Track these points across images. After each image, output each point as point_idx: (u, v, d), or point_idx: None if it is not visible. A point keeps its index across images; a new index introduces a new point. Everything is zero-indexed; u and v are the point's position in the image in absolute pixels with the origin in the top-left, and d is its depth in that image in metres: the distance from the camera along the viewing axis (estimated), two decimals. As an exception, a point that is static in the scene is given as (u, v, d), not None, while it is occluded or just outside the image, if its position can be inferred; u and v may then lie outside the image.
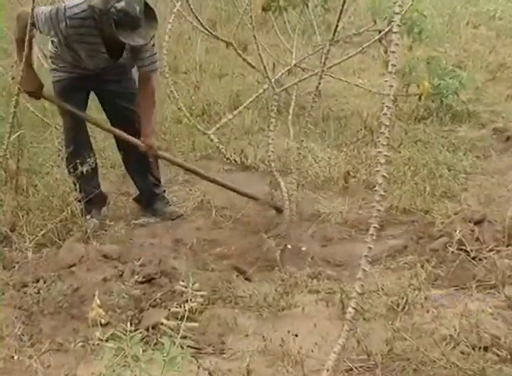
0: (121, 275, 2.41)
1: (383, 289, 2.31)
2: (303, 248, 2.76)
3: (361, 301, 2.07)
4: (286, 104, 4.38)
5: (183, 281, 1.48)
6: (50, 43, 2.92)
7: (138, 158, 3.07)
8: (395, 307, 2.18)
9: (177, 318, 1.51)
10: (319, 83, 3.11)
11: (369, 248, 1.96)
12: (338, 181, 3.51)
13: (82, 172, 2.88)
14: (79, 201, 2.96)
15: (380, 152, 1.92)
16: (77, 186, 2.95)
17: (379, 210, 1.95)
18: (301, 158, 3.30)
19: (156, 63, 2.88)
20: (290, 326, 2.09)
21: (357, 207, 3.26)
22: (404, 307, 2.18)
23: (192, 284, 1.48)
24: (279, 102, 3.80)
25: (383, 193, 1.93)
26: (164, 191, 3.28)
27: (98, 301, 1.53)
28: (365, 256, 1.97)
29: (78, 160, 2.91)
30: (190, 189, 3.50)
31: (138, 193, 3.27)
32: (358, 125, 4.29)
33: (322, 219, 3.15)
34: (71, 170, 2.93)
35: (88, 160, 2.93)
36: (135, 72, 3.00)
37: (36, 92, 2.87)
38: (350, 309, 1.91)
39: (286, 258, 2.66)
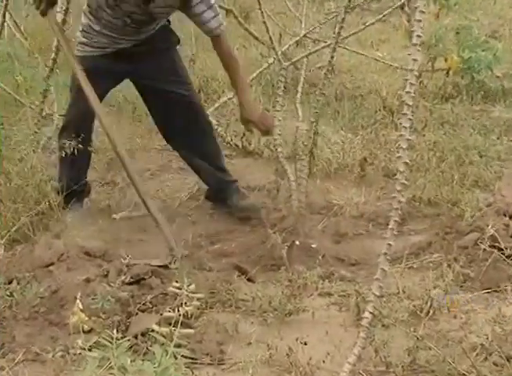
0: (106, 275, 2.41)
1: (404, 291, 2.31)
2: (313, 245, 2.76)
3: (379, 305, 2.07)
4: (295, 81, 4.36)
5: (177, 282, 1.48)
6: (83, 15, 2.89)
7: (206, 147, 3.06)
8: (418, 312, 2.19)
9: (170, 324, 1.51)
10: (332, 56, 3.10)
11: (389, 245, 1.97)
12: (353, 168, 3.51)
13: (73, 153, 2.83)
14: (58, 192, 2.96)
15: (401, 135, 1.92)
16: (60, 169, 2.93)
17: (400, 201, 1.95)
18: (311, 143, 3.30)
19: (216, 18, 2.74)
20: (298, 333, 2.09)
21: (375, 199, 3.27)
22: (428, 312, 2.18)
23: (188, 286, 1.49)
24: (286, 78, 3.79)
25: (404, 182, 1.93)
26: (236, 180, 3.24)
27: (79, 305, 1.54)
28: (384, 254, 1.97)
29: (73, 135, 2.86)
30: (185, 178, 3.50)
31: (207, 188, 3.24)
32: (377, 105, 4.28)
33: (335, 212, 3.16)
34: (62, 144, 2.89)
35: (84, 140, 2.89)
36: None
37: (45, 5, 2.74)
38: (366, 314, 1.91)
39: (294, 256, 2.65)
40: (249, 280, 2.49)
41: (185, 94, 3.00)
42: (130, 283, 2.34)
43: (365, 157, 3.52)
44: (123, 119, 4.20)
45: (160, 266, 2.43)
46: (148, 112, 3.21)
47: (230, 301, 2.30)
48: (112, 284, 2.29)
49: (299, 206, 3.00)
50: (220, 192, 3.18)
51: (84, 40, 2.89)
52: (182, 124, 3.01)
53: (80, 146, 2.84)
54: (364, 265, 2.70)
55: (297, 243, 2.73)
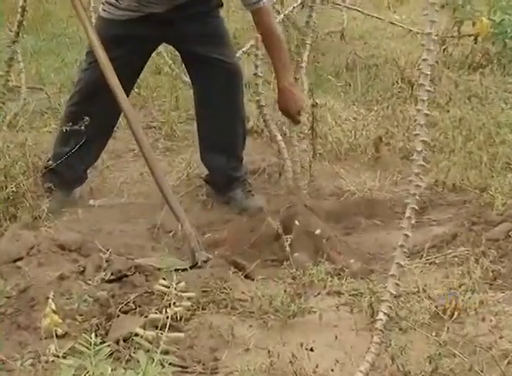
0: (83, 271, 2.41)
1: (425, 290, 2.30)
2: (316, 232, 2.75)
3: (395, 306, 2.08)
4: (299, 48, 4.34)
5: (164, 279, 1.48)
6: None
7: (233, 127, 3.12)
8: (441, 313, 2.18)
9: (156, 327, 1.51)
10: (343, 20, 3.08)
11: (406, 237, 1.97)
12: (367, 149, 3.51)
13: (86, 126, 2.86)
14: (45, 168, 3.02)
15: (419, 110, 1.91)
16: (59, 144, 3.04)
17: (418, 186, 1.95)
18: (318, 119, 3.29)
19: None
20: (303, 337, 2.09)
21: (391, 184, 3.27)
22: (453, 314, 2.18)
23: (176, 284, 1.48)
24: (289, 45, 3.78)
25: (423, 164, 1.93)
26: (246, 173, 3.28)
27: (52, 306, 1.54)
28: (401, 247, 1.97)
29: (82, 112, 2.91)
30: (173, 160, 3.50)
31: (208, 173, 3.28)
32: (394, 76, 4.28)
33: (345, 199, 3.16)
34: (69, 118, 2.95)
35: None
36: None
37: None
38: (381, 316, 1.91)
39: (299, 248, 2.66)
40: (247, 276, 2.49)
41: (228, 62, 3.05)
42: (110, 281, 2.34)
43: (380, 136, 3.52)
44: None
45: (158, 269, 2.42)
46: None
47: (225, 302, 2.30)
48: (89, 282, 2.29)
49: (303, 193, 2.98)
50: (223, 184, 3.23)
51: (111, 0, 2.94)
52: (218, 93, 3.04)
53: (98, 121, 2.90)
54: (378, 259, 2.71)
55: (297, 223, 2.73)
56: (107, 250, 2.47)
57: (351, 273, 2.52)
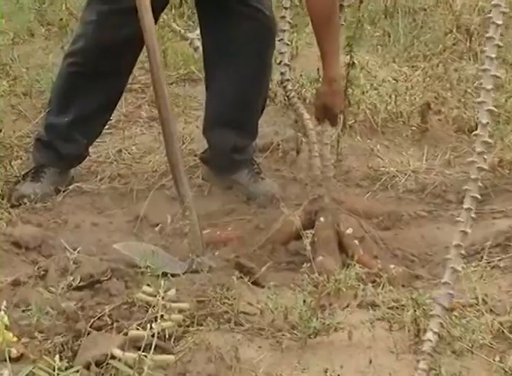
0: (44, 276, 2.42)
1: (485, 302, 2.31)
2: (348, 231, 2.76)
3: (448, 322, 2.08)
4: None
5: (149, 286, 1.48)
6: None
7: (242, 97, 3.15)
8: (507, 332, 2.18)
9: (139, 348, 1.51)
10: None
11: (463, 233, 1.96)
12: (411, 119, 3.51)
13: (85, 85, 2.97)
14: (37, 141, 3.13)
15: (484, 70, 1.90)
16: (54, 113, 3.11)
17: (481, 168, 1.94)
18: (347, 80, 3.27)
19: None
20: (327, 362, 2.10)
21: (442, 164, 3.28)
22: (522, 332, 2.18)
23: (165, 291, 1.48)
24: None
25: (488, 141, 1.92)
26: (254, 151, 3.32)
27: (5, 320, 1.54)
28: (457, 247, 1.96)
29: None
30: (160, 132, 3.49)
31: (206, 148, 3.33)
32: (447, 24, 4.26)
33: (382, 184, 3.17)
34: (68, 81, 3.06)
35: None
36: None
37: None
38: (429, 335, 1.91)
39: (324, 251, 2.66)
40: (255, 283, 2.49)
41: (265, 13, 3.08)
42: (79, 288, 2.35)
43: (428, 102, 3.51)
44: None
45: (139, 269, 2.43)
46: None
47: (228, 315, 2.29)
48: (52, 289, 2.28)
49: (329, 176, 2.97)
50: (226, 165, 3.26)
51: None
52: (242, 50, 3.08)
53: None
54: (425, 262, 2.72)
55: (322, 220, 2.74)
56: (75, 249, 2.45)
57: (389, 280, 2.51)
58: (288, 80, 3.14)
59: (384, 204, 3.07)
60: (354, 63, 3.34)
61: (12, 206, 2.96)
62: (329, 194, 2.87)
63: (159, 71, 2.71)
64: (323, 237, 2.73)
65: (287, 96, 3.23)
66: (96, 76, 3.01)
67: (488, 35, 1.87)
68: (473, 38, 4.02)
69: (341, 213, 2.83)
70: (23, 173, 3.15)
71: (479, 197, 2.01)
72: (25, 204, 2.96)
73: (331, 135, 3.10)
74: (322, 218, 2.76)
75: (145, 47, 2.73)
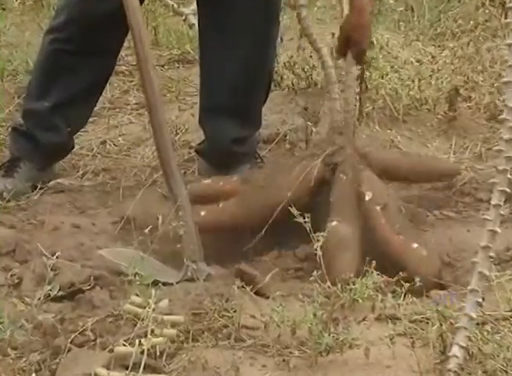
0: (18, 284, 2.44)
1: (522, 314, 2.31)
2: (369, 195, 2.73)
3: (477, 337, 2.07)
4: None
5: (137, 296, 1.46)
6: None
7: (243, 81, 3.15)
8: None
9: (126, 367, 1.49)
10: None
11: (492, 233, 1.97)
12: (437, 106, 3.52)
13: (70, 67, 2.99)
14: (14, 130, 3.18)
15: (510, 45, 1.90)
16: (33, 97, 3.14)
17: (509, 158, 1.97)
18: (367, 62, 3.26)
19: None
20: (341, 383, 2.09)
21: (473, 157, 3.29)
22: None
23: (156, 302, 1.47)
24: None
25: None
26: (257, 142, 3.35)
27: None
28: (485, 248, 1.97)
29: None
30: (149, 122, 3.49)
31: (203, 139, 3.35)
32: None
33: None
34: (51, 59, 3.09)
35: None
36: None
37: None
38: (455, 350, 1.91)
39: (338, 209, 2.67)
40: (259, 293, 2.49)
41: None
42: (58, 299, 2.35)
43: (456, 87, 3.52)
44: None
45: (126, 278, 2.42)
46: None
47: (227, 330, 2.29)
48: (28, 300, 2.29)
49: (349, 131, 2.90)
50: (224, 159, 3.26)
51: None
52: (241, 25, 3.09)
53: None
54: (451, 267, 2.73)
55: (343, 177, 2.72)
56: (53, 254, 2.45)
57: (410, 290, 2.50)
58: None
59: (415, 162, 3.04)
60: (372, 42, 3.31)
61: None
62: (351, 145, 2.86)
63: (144, 50, 2.69)
64: (340, 198, 2.72)
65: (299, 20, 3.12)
66: (81, 54, 3.02)
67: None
68: (509, 13, 4.02)
69: (364, 170, 2.80)
70: None
71: (509, 190, 2.00)
72: None
73: (355, 76, 3.05)
74: (341, 175, 2.75)
75: None
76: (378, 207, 2.69)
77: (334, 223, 2.62)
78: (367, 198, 2.71)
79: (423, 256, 2.61)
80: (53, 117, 3.13)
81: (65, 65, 3.05)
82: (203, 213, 2.83)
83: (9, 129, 3.25)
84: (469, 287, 2.06)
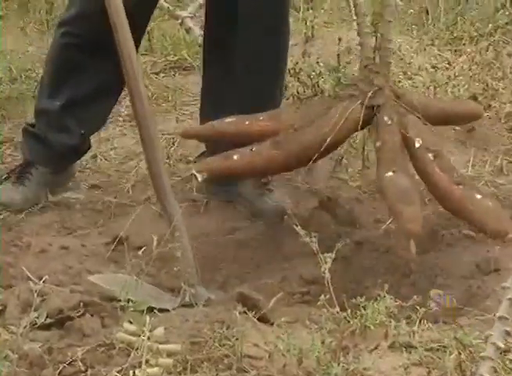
0: (2, 311, 2.44)
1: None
2: (419, 141, 2.71)
3: (504, 368, 2.07)
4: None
5: (131, 323, 1.48)
6: None
7: (252, 81, 3.17)
8: None
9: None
10: None
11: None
12: (454, 116, 3.50)
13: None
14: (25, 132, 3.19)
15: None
16: (45, 96, 3.17)
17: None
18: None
19: None
20: (352, 418, 2.09)
21: (493, 170, 3.29)
22: None
23: (151, 330, 1.48)
24: None
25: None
26: None
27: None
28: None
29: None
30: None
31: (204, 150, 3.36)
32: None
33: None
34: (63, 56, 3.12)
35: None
36: None
37: None
38: (479, 383, 1.91)
39: (390, 157, 2.67)
40: (262, 319, 2.49)
41: None
42: (46, 327, 2.36)
43: (475, 95, 3.53)
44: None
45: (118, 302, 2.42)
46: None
47: (228, 360, 2.28)
48: (12, 328, 2.29)
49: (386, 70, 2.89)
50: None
51: None
52: (253, 19, 3.10)
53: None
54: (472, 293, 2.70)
55: (388, 121, 2.69)
56: (40, 278, 2.47)
57: (425, 315, 2.51)
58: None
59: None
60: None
61: None
62: (389, 86, 2.83)
63: (131, 56, 2.68)
64: (390, 145, 2.68)
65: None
66: (93, 49, 3.03)
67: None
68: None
69: (408, 114, 2.75)
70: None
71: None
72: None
73: (393, 10, 3.01)
74: (385, 117, 2.71)
75: None
76: (431, 155, 2.66)
77: (390, 174, 2.58)
78: (417, 145, 2.66)
79: (490, 207, 2.58)
80: (64, 117, 3.15)
81: (75, 61, 3.07)
82: (235, 157, 2.80)
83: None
84: (498, 314, 2.06)
